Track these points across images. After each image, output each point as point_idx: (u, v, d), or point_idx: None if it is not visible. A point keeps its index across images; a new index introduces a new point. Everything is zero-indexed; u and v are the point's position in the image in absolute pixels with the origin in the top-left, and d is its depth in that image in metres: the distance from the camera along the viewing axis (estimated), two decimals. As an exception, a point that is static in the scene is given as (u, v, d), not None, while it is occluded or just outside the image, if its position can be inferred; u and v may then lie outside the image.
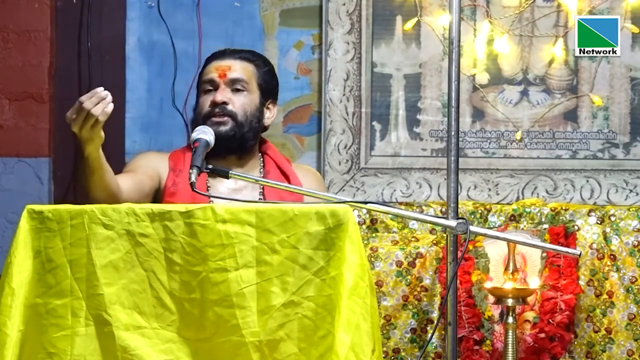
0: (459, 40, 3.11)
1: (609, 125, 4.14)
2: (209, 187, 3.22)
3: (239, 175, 2.85)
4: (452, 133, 3.10)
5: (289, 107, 4.14)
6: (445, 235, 3.46)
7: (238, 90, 3.25)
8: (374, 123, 4.16)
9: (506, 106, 4.15)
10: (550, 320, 3.80)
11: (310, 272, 2.32)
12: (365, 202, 3.04)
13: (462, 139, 4.11)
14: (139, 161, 3.30)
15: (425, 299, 3.91)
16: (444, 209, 3.94)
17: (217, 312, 2.31)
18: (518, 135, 4.14)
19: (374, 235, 3.99)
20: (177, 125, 4.20)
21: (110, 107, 2.73)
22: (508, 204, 4.08)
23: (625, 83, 4.14)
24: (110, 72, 4.20)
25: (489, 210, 4.02)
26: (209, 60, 3.35)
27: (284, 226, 2.33)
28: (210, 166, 2.85)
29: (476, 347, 3.83)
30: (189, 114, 4.18)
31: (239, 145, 3.25)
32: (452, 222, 2.79)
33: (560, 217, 3.97)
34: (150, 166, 3.23)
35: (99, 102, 2.70)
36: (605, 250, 3.90)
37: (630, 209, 4.00)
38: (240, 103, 3.25)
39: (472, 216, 4.00)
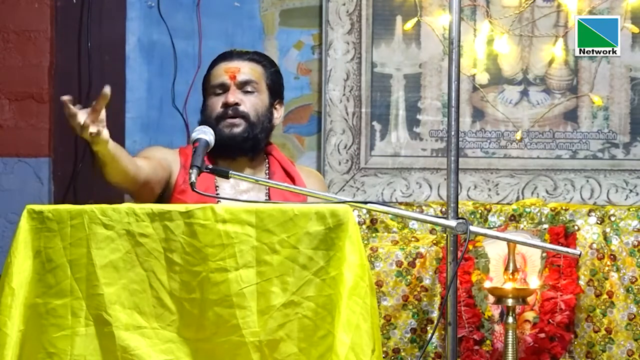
0: (459, 40, 3.11)
1: (609, 125, 4.14)
2: (217, 187, 3.22)
3: (239, 176, 2.84)
4: (452, 133, 3.10)
5: (289, 107, 4.14)
6: (445, 235, 3.47)
7: (248, 91, 3.25)
8: (374, 123, 4.16)
9: (506, 106, 4.16)
10: (550, 320, 3.80)
11: (310, 272, 2.32)
12: (365, 202, 3.04)
13: (462, 139, 4.11)
14: (153, 152, 3.29)
15: (425, 299, 3.91)
16: (444, 209, 3.94)
17: (217, 312, 2.31)
18: (518, 135, 4.14)
19: (374, 235, 3.99)
20: (177, 125, 4.20)
21: (103, 115, 2.73)
22: (508, 204, 4.08)
23: (625, 83, 4.14)
24: (110, 72, 4.20)
25: (489, 210, 4.02)
26: (216, 62, 3.33)
27: (284, 226, 2.33)
28: (210, 166, 2.84)
29: (476, 347, 3.83)
30: (189, 114, 4.18)
31: (251, 146, 3.25)
32: (452, 222, 2.79)
33: (560, 217, 3.97)
34: (164, 157, 3.23)
35: (92, 116, 2.71)
36: (605, 250, 3.90)
37: (630, 209, 4.00)
38: (252, 104, 3.24)
39: (472, 216, 4.00)
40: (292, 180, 3.27)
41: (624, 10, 4.11)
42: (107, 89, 2.69)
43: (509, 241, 3.54)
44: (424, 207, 4.06)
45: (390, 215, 3.96)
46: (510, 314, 3.58)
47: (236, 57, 3.30)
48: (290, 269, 2.32)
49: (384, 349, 3.87)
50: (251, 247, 2.32)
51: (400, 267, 3.92)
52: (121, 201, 3.58)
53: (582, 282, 3.88)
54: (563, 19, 4.14)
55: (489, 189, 4.14)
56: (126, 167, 2.93)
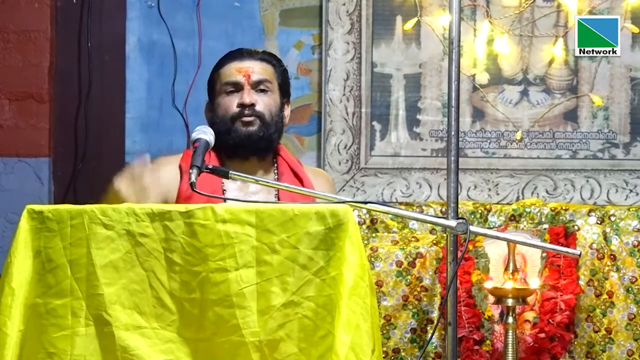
0: (459, 40, 3.11)
1: (609, 125, 4.14)
2: (225, 191, 3.20)
3: (238, 176, 2.84)
4: (452, 133, 3.10)
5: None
6: (445, 235, 3.47)
7: (262, 90, 3.24)
8: (374, 123, 4.16)
9: (506, 106, 4.16)
10: (550, 320, 3.80)
11: (310, 272, 2.32)
12: (365, 202, 3.03)
13: (462, 139, 4.11)
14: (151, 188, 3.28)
15: (425, 299, 3.91)
16: (444, 209, 3.94)
17: (217, 312, 2.31)
18: (518, 135, 4.14)
19: (374, 235, 3.99)
20: (177, 125, 4.20)
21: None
22: (508, 204, 4.08)
23: (625, 83, 4.14)
24: (110, 72, 4.20)
25: (489, 210, 4.02)
26: (225, 61, 3.30)
27: (284, 226, 2.33)
28: (210, 166, 2.84)
29: (476, 347, 3.83)
30: (189, 114, 4.18)
31: (265, 146, 3.24)
32: (452, 222, 2.79)
33: (560, 217, 3.97)
34: (159, 192, 3.21)
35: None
36: (605, 250, 3.90)
37: (630, 209, 4.00)
38: (266, 104, 3.23)
39: (472, 216, 4.00)
40: (301, 181, 3.26)
41: (624, 10, 4.11)
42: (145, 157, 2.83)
43: (509, 241, 3.54)
44: (424, 207, 4.06)
45: (390, 215, 3.96)
46: (510, 314, 3.58)
47: (247, 56, 3.28)
48: (290, 269, 2.32)
49: (384, 349, 3.87)
50: (251, 247, 2.32)
51: (400, 267, 3.92)
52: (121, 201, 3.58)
53: (582, 282, 3.88)
54: (563, 19, 4.14)
55: (489, 189, 4.14)
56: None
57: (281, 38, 4.21)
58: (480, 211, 4.01)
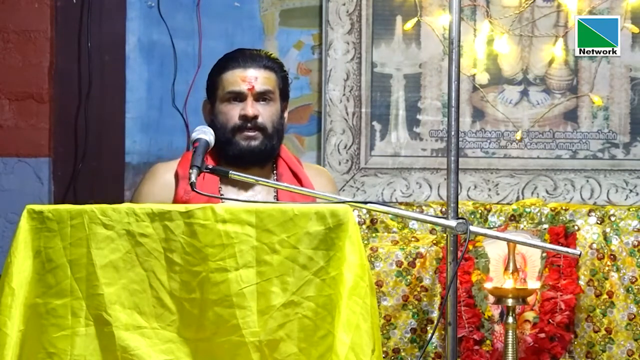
0: (459, 40, 3.10)
1: (609, 125, 4.14)
2: (222, 195, 3.19)
3: (238, 175, 2.84)
4: (452, 133, 3.10)
5: (289, 107, 4.13)
6: (445, 235, 3.46)
7: (264, 100, 3.22)
8: (374, 123, 4.16)
9: (506, 106, 4.16)
10: (550, 320, 3.80)
11: (310, 272, 2.32)
12: (365, 202, 3.03)
13: (462, 139, 4.11)
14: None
15: (425, 299, 3.91)
16: (444, 209, 3.94)
17: (217, 312, 2.31)
18: (518, 135, 4.14)
19: (374, 235, 3.99)
20: (177, 125, 4.20)
21: None
22: (508, 204, 4.08)
23: (625, 83, 4.14)
24: (110, 72, 4.20)
25: (489, 210, 4.02)
26: (229, 65, 3.24)
27: (284, 226, 2.33)
28: (210, 166, 2.84)
29: (476, 347, 3.83)
30: (189, 114, 4.18)
31: (267, 156, 3.23)
32: (452, 222, 2.79)
33: (560, 217, 3.97)
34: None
35: None
36: (605, 250, 3.90)
37: (630, 209, 4.00)
38: (268, 114, 3.21)
39: (472, 216, 4.00)
40: (300, 182, 3.25)
41: (624, 10, 4.11)
42: None
43: (509, 241, 3.54)
44: (424, 207, 4.06)
45: (390, 215, 3.96)
46: (510, 314, 3.58)
47: (250, 62, 3.23)
48: (290, 269, 2.32)
49: (384, 349, 3.87)
50: (251, 247, 2.32)
51: (400, 267, 3.92)
52: (121, 201, 3.58)
53: (582, 282, 3.88)
54: (563, 19, 4.14)
55: (489, 189, 4.14)
56: None
57: (281, 38, 4.21)
58: (480, 211, 4.01)
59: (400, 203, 4.10)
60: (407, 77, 4.16)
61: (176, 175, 3.19)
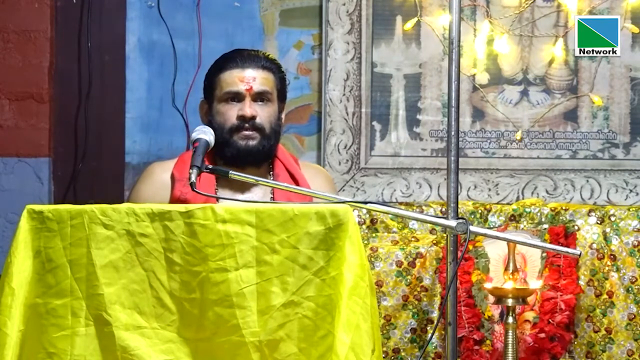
0: (459, 40, 3.10)
1: (609, 125, 4.14)
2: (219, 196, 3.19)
3: (238, 175, 2.84)
4: (452, 133, 3.10)
5: (289, 107, 4.13)
6: (445, 235, 3.47)
7: (262, 100, 3.22)
8: (374, 123, 4.16)
9: (506, 106, 4.16)
10: (550, 320, 3.80)
11: (310, 272, 2.32)
12: (365, 202, 3.03)
13: (462, 139, 4.11)
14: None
15: (425, 299, 3.91)
16: (444, 209, 3.94)
17: (217, 312, 2.31)
18: (518, 135, 4.14)
19: (374, 235, 3.99)
20: (177, 125, 4.20)
21: None
22: (508, 204, 4.08)
23: (625, 83, 4.14)
24: (110, 72, 4.20)
25: (489, 210, 4.02)
26: (227, 65, 3.24)
27: (284, 226, 2.33)
28: (210, 166, 2.84)
29: (476, 347, 3.83)
30: (189, 114, 4.18)
31: (264, 157, 3.23)
32: (452, 222, 2.79)
33: (560, 217, 3.97)
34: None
35: None
36: (605, 250, 3.90)
37: (630, 209, 4.00)
38: (266, 115, 3.21)
39: (472, 216, 4.00)
40: (296, 183, 3.24)
41: (624, 10, 4.11)
42: None
43: (509, 241, 3.54)
44: (424, 207, 4.06)
45: (390, 215, 3.96)
46: (510, 314, 3.58)
47: (249, 62, 3.23)
48: (290, 269, 2.32)
49: (384, 349, 3.87)
50: (251, 247, 2.32)
51: (400, 267, 3.92)
52: (121, 201, 3.58)
53: (582, 282, 3.88)
54: (563, 19, 4.14)
55: (489, 189, 4.14)
56: None
57: (281, 38, 4.21)
58: (480, 211, 4.01)
59: (400, 203, 4.10)
60: (407, 77, 4.16)
61: (172, 177, 3.19)
